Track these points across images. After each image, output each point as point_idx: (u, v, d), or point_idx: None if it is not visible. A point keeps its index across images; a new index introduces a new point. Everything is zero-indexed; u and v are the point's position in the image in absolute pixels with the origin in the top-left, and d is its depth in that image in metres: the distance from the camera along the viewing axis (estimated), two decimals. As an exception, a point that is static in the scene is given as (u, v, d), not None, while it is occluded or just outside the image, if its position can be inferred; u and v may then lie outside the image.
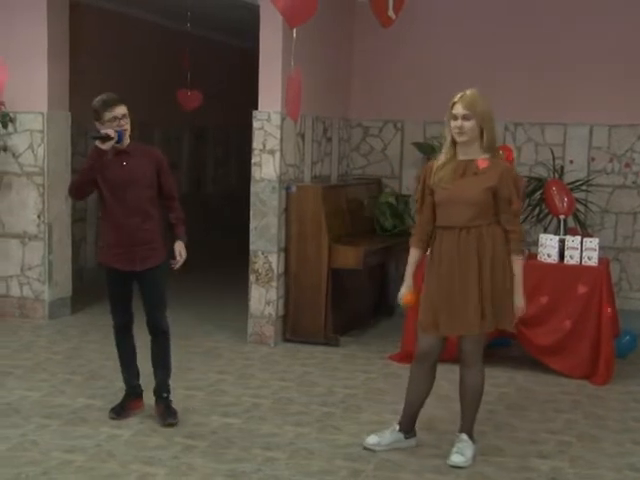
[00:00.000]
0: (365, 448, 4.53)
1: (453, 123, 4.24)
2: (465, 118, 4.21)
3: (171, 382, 5.02)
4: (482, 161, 4.28)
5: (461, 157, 4.32)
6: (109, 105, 4.72)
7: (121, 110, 4.72)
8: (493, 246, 4.29)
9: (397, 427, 4.59)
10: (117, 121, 4.70)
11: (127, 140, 4.80)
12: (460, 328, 4.33)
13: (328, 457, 4.49)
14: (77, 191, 4.92)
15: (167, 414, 4.90)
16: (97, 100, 4.77)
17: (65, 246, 7.61)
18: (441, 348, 4.47)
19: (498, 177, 4.25)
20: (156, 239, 4.88)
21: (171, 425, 4.84)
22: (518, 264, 4.35)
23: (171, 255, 4.91)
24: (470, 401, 4.47)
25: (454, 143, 4.30)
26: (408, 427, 4.60)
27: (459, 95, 4.28)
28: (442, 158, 4.35)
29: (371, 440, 4.54)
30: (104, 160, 4.70)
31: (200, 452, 4.52)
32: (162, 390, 4.97)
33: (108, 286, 4.98)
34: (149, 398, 5.10)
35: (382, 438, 4.54)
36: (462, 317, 4.29)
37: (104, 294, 8.07)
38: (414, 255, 4.51)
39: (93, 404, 5.24)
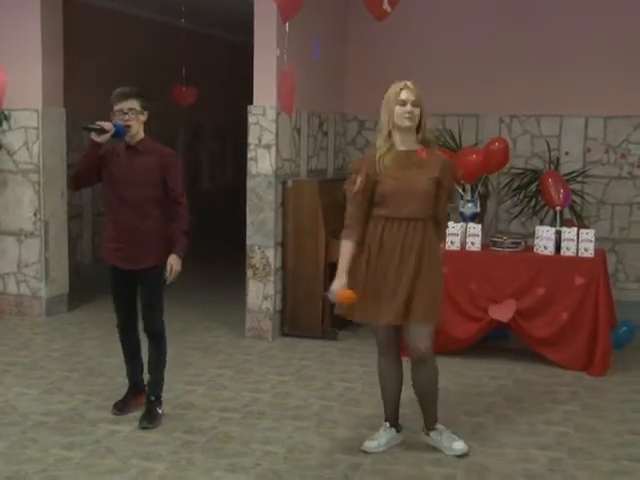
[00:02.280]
0: (365, 452, 4.49)
1: (402, 109, 4.22)
2: (414, 104, 4.23)
3: (169, 379, 5.02)
4: (421, 151, 4.30)
5: (400, 147, 4.30)
6: (118, 98, 4.70)
7: (128, 104, 4.67)
8: (433, 239, 4.33)
9: (387, 424, 4.58)
10: (122, 115, 4.68)
11: (140, 135, 4.75)
12: (380, 317, 4.30)
13: (327, 451, 4.50)
14: (76, 182, 4.90)
15: (145, 416, 4.84)
16: (115, 91, 4.74)
17: (61, 243, 7.61)
18: (398, 338, 4.45)
19: (440, 168, 4.29)
20: (154, 240, 4.79)
21: (145, 428, 4.75)
22: (442, 250, 4.49)
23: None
24: (427, 395, 4.47)
25: (389, 134, 4.28)
26: (396, 421, 4.60)
27: (402, 84, 4.27)
28: (382, 149, 4.30)
29: (369, 445, 4.51)
30: (106, 153, 4.69)
31: (199, 447, 4.53)
32: (149, 392, 4.94)
33: (111, 284, 4.96)
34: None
35: (379, 439, 4.53)
36: (387, 306, 4.26)
37: (101, 291, 8.12)
38: (349, 248, 4.37)
39: (91, 401, 5.24)
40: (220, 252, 10.27)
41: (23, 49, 7.18)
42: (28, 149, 7.34)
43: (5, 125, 7.31)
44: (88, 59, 8.88)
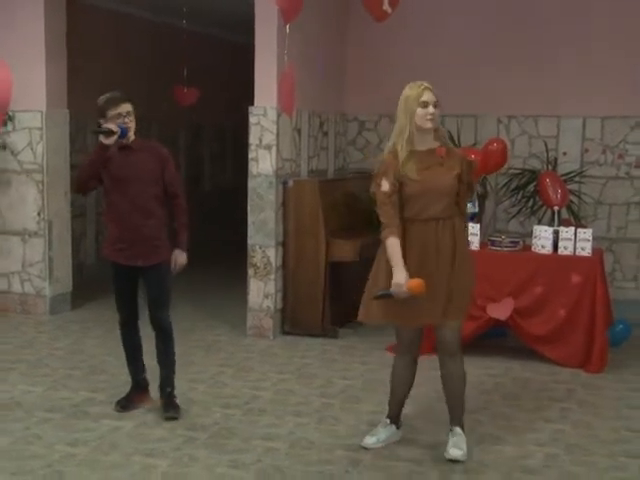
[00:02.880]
0: (364, 448, 4.50)
1: (424, 111, 4.21)
2: (435, 105, 4.24)
3: (175, 377, 5.06)
4: (440, 149, 4.30)
5: (419, 148, 4.30)
6: (114, 102, 4.74)
7: (126, 107, 4.75)
8: (462, 239, 4.35)
9: (388, 421, 4.59)
10: (122, 118, 4.72)
11: (132, 136, 4.82)
12: (423, 318, 4.31)
13: (327, 447, 4.52)
14: (80, 186, 4.93)
15: (169, 407, 4.94)
16: (102, 98, 4.80)
17: (65, 242, 7.63)
18: (421, 339, 4.48)
19: (459, 164, 4.30)
20: (159, 236, 4.88)
21: (171, 418, 4.87)
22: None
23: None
24: (457, 393, 4.45)
25: (410, 135, 4.26)
26: (397, 418, 4.61)
27: (421, 85, 4.26)
28: (405, 151, 4.27)
29: (368, 441, 4.52)
30: (107, 155, 4.73)
31: (202, 443, 4.55)
32: (165, 385, 5.01)
33: (113, 281, 5.00)
34: (153, 391, 5.15)
35: (378, 435, 4.54)
36: (428, 307, 4.25)
37: (104, 289, 8.13)
38: (396, 243, 4.27)
39: (95, 398, 5.27)
40: (221, 252, 10.30)
41: (27, 51, 7.20)
42: (32, 149, 7.37)
43: (10, 126, 7.33)
44: (91, 60, 8.90)
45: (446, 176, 4.26)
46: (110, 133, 4.64)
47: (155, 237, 4.86)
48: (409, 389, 4.58)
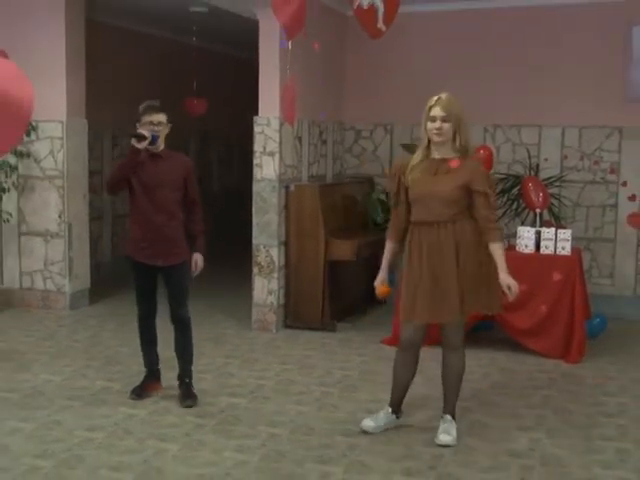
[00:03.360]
0: (362, 431, 4.49)
1: (431, 124, 4.17)
2: (444, 120, 4.15)
3: (193, 368, 5.05)
4: (454, 161, 4.20)
5: (435, 156, 4.25)
6: (149, 111, 4.78)
7: (158, 118, 4.77)
8: (467, 239, 4.23)
9: (389, 409, 4.56)
10: (152, 126, 4.74)
11: (161, 145, 4.83)
12: (442, 316, 4.28)
13: (327, 433, 4.51)
14: (112, 187, 4.91)
15: (187, 397, 4.92)
16: (142, 104, 4.83)
17: (84, 243, 7.61)
18: (424, 335, 4.43)
19: (469, 174, 4.18)
20: (179, 237, 4.89)
21: (189, 406, 4.85)
22: (499, 250, 4.21)
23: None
24: (453, 383, 4.44)
25: (428, 143, 4.24)
26: (398, 408, 4.59)
27: (436, 98, 4.20)
28: (418, 157, 4.27)
29: (367, 423, 4.50)
30: (138, 160, 4.72)
31: (210, 429, 4.54)
32: (184, 376, 5.00)
33: (134, 278, 4.99)
34: (165, 380, 5.14)
35: (377, 421, 4.51)
36: (444, 305, 4.23)
37: (120, 286, 8.15)
38: (390, 248, 4.43)
39: (111, 387, 5.25)
40: (227, 251, 10.27)
41: (49, 65, 7.18)
42: (53, 157, 7.35)
43: (33, 135, 7.31)
44: (108, 75, 8.88)
45: (448, 184, 4.18)
46: (142, 138, 4.65)
47: (175, 238, 4.87)
48: (410, 382, 4.55)
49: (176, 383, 5.04)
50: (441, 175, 4.22)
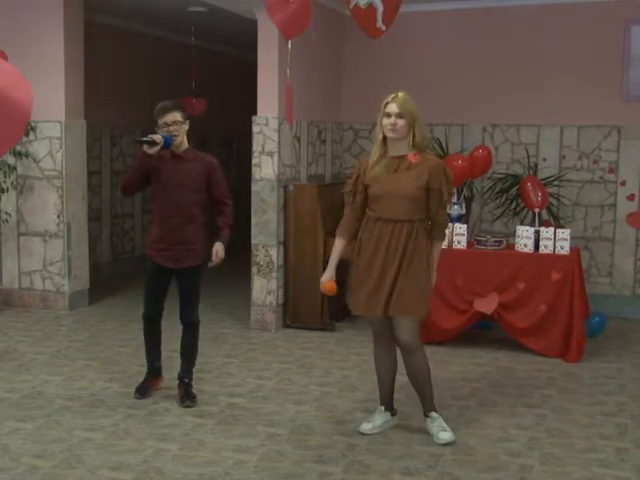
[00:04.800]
0: (361, 434, 4.48)
1: (386, 120, 4.21)
2: (398, 116, 4.19)
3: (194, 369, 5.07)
4: (412, 156, 4.25)
5: (392, 154, 4.28)
6: (160, 112, 4.73)
7: (171, 117, 4.70)
8: (419, 240, 4.27)
9: (382, 408, 4.57)
10: (167, 127, 4.70)
11: (184, 145, 4.78)
12: (374, 310, 4.29)
13: (326, 433, 4.51)
14: (126, 189, 4.90)
15: (186, 397, 4.92)
16: (156, 107, 4.77)
17: (83, 243, 7.61)
18: (389, 326, 4.40)
19: (428, 172, 4.22)
20: (196, 241, 4.84)
21: (188, 406, 4.85)
22: (438, 248, 4.38)
23: (210, 257, 4.88)
24: (422, 383, 4.42)
25: (384, 141, 4.27)
26: (390, 405, 4.59)
27: (392, 96, 4.25)
28: (375, 155, 4.30)
29: (365, 426, 4.50)
30: (151, 163, 4.69)
31: (209, 429, 4.54)
32: (184, 376, 5.00)
33: (146, 277, 4.97)
34: (164, 381, 5.15)
35: (374, 422, 4.52)
36: (381, 302, 4.25)
37: (119, 286, 8.15)
38: (339, 244, 4.43)
39: (111, 387, 5.25)
40: (226, 250, 10.26)
41: (48, 66, 7.17)
42: (52, 157, 7.34)
43: (32, 135, 7.31)
44: (106, 75, 8.88)
45: (410, 182, 4.22)
46: (153, 143, 4.60)
47: (192, 241, 4.83)
48: (392, 375, 4.54)
49: (176, 383, 5.04)
50: (402, 172, 4.26)
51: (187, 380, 4.99)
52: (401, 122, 4.20)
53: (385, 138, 4.28)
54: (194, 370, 5.07)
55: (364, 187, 4.32)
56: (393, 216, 4.25)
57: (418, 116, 4.26)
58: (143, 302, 5.03)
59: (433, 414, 4.45)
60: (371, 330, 4.53)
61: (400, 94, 4.26)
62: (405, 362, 4.44)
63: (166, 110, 4.73)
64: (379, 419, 4.54)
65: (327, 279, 4.44)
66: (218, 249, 4.86)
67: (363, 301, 4.34)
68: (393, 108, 4.21)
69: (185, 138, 4.82)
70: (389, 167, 4.27)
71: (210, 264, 4.89)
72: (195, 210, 4.82)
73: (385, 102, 4.26)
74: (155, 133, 4.70)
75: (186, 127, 4.79)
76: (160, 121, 4.72)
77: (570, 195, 7.50)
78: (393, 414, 4.60)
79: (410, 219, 4.25)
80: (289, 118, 5.39)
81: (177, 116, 4.73)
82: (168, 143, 4.68)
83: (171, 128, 4.70)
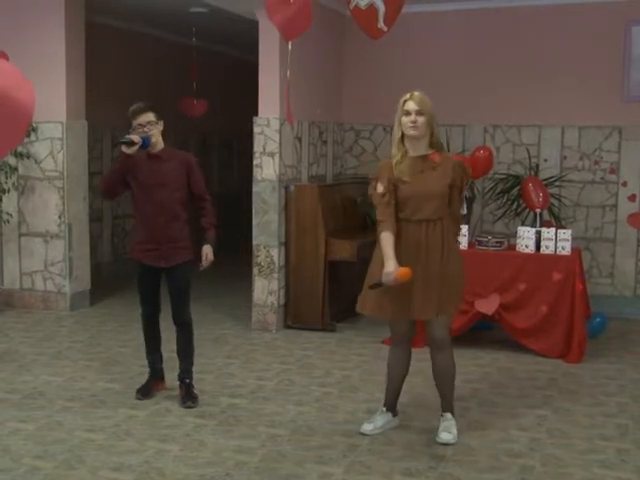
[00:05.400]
0: (362, 434, 4.47)
1: (406, 118, 4.19)
2: (418, 113, 4.18)
3: (193, 369, 5.06)
4: (434, 155, 4.25)
5: (412, 154, 4.26)
6: (133, 114, 4.75)
7: (145, 118, 4.73)
8: (450, 238, 4.32)
9: (384, 409, 4.57)
10: (141, 128, 4.72)
11: (160, 145, 4.80)
12: (428, 312, 4.27)
13: (327, 433, 4.51)
14: (106, 192, 4.92)
15: (187, 397, 4.92)
16: (129, 109, 4.79)
17: (84, 244, 7.62)
18: (413, 331, 4.47)
19: (452, 170, 4.25)
20: (182, 238, 4.86)
21: (189, 407, 4.85)
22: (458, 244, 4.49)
23: (200, 256, 4.89)
24: (445, 382, 4.42)
25: (402, 140, 4.26)
26: (393, 407, 4.59)
27: (409, 94, 4.23)
28: (397, 155, 4.26)
29: (366, 427, 4.49)
30: (132, 163, 4.71)
31: (210, 430, 4.54)
32: (185, 376, 5.00)
33: (138, 279, 4.98)
34: (165, 381, 5.15)
35: (375, 422, 4.51)
36: (430, 303, 4.24)
37: (120, 287, 8.16)
38: (389, 237, 4.23)
39: (111, 387, 5.26)
40: (227, 251, 10.26)
41: (49, 67, 7.18)
42: (53, 158, 7.35)
43: (33, 136, 7.32)
44: (107, 76, 8.88)
45: (438, 181, 4.23)
46: (131, 144, 4.62)
47: (178, 239, 4.85)
48: (403, 378, 4.55)
49: (176, 383, 5.04)
50: (429, 172, 4.25)
51: (188, 381, 4.99)
52: (421, 119, 4.18)
53: (403, 137, 4.25)
54: (194, 370, 5.07)
55: (394, 187, 4.29)
56: (423, 216, 4.24)
57: (434, 115, 4.26)
58: (140, 303, 5.05)
59: (448, 415, 4.44)
60: (392, 333, 4.48)
61: (416, 93, 4.24)
62: (434, 359, 4.41)
63: (139, 111, 4.75)
64: (380, 420, 4.54)
65: (394, 268, 4.17)
66: (207, 252, 4.88)
67: (398, 304, 4.25)
68: (412, 106, 4.19)
69: (160, 137, 4.83)
70: (413, 168, 4.24)
71: (200, 267, 4.91)
72: (178, 208, 4.84)
73: (403, 100, 4.23)
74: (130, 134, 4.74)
75: (160, 127, 4.82)
76: (134, 122, 4.74)
77: (571, 196, 7.50)
78: (394, 415, 4.60)
79: (440, 217, 4.26)
80: (289, 119, 5.39)
81: (150, 116, 4.75)
82: (146, 143, 4.70)
83: (145, 129, 4.73)
